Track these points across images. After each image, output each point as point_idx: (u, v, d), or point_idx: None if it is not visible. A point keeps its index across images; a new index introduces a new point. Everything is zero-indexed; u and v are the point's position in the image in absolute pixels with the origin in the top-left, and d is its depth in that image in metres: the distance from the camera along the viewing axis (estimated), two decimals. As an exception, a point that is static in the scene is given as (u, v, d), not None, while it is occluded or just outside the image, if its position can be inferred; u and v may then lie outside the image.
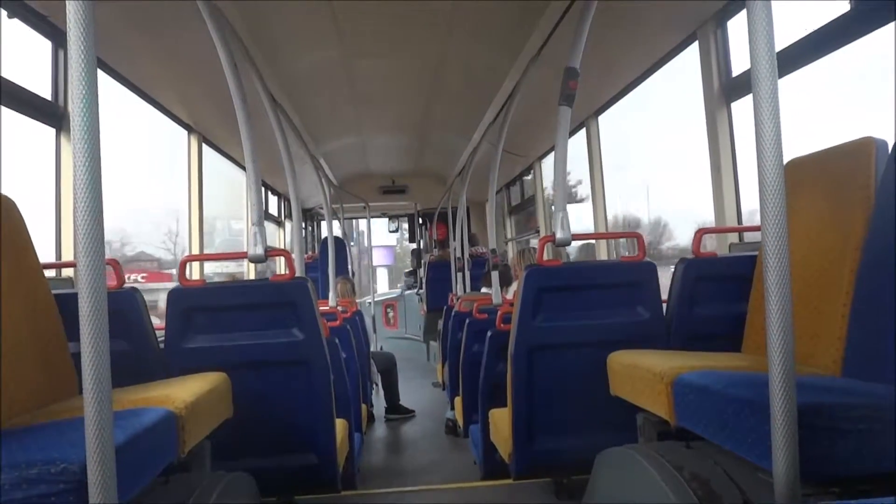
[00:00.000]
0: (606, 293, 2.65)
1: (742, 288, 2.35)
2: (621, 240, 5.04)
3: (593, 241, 5.60)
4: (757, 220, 1.38)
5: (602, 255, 5.09)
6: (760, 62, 1.18)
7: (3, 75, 2.56)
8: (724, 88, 3.20)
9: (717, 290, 2.61)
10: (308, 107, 5.10)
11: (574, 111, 2.62)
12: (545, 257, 2.67)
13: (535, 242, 7.55)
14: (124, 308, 2.42)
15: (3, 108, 2.60)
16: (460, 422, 4.26)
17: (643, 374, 1.98)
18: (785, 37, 2.67)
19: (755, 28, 1.19)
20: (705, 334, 2.55)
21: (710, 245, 3.26)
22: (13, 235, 1.90)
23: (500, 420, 2.96)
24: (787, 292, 1.16)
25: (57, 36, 2.89)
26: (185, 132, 4.50)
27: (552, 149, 2.67)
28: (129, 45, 3.21)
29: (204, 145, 4.67)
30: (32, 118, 2.81)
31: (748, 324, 2.28)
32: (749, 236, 3.09)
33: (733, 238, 3.13)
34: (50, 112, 2.90)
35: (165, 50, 3.40)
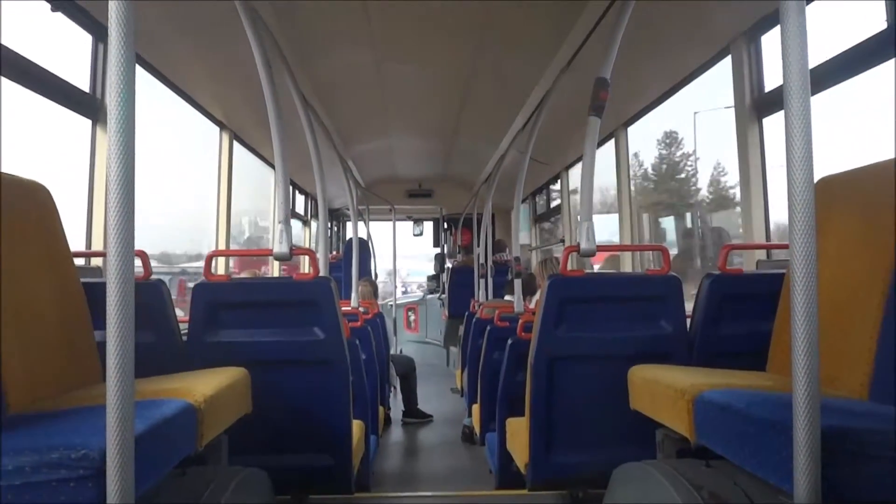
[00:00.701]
0: (630, 306, 2.63)
1: (768, 306, 2.32)
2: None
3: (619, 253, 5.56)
4: (786, 238, 1.36)
5: (626, 267, 5.06)
6: (792, 79, 1.17)
7: (45, 66, 2.61)
8: (755, 103, 3.16)
9: (742, 307, 2.57)
10: (338, 108, 5.14)
11: (603, 122, 2.61)
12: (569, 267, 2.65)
13: (560, 252, 7.51)
14: (150, 299, 2.45)
15: (43, 98, 2.65)
16: (477, 429, 4.24)
17: (664, 390, 1.95)
18: (820, 53, 2.64)
19: (788, 44, 1.18)
20: (729, 351, 2.51)
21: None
22: (45, 222, 1.94)
23: (518, 429, 2.95)
24: (813, 312, 1.14)
25: (97, 30, 2.94)
26: (217, 128, 4.55)
27: (580, 158, 2.66)
28: (167, 41, 3.26)
29: (234, 142, 4.72)
30: (70, 109, 2.85)
31: (773, 342, 2.24)
32: (777, 254, 3.05)
33: (761, 255, 3.09)
34: (87, 104, 2.95)
35: (202, 48, 3.45)
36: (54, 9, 2.65)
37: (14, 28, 2.46)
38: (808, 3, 2.56)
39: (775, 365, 2.21)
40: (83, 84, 2.95)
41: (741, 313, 2.57)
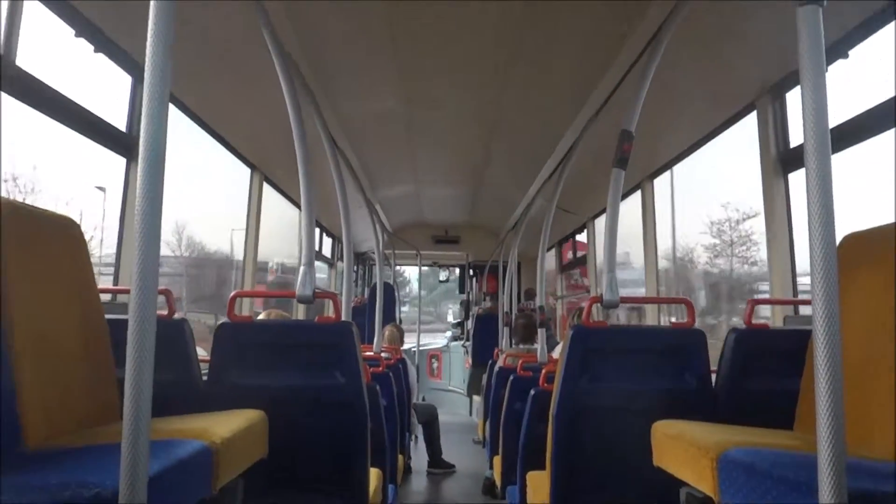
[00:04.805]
0: (653, 359, 2.59)
1: (795, 362, 2.26)
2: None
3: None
4: None
5: (651, 320, 4.99)
6: (811, 138, 1.17)
7: (83, 104, 2.69)
8: (781, 159, 3.15)
9: (769, 362, 2.52)
10: (367, 153, 5.21)
11: (629, 173, 2.61)
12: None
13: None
14: (172, 337, 2.46)
15: (80, 135, 2.73)
16: (498, 482, 4.17)
17: (688, 447, 1.91)
18: (848, 108, 2.62)
19: (808, 104, 1.18)
20: (755, 408, 2.45)
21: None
22: (75, 257, 1.97)
23: (539, 483, 2.88)
24: (837, 371, 1.12)
25: (137, 72, 3.03)
26: (248, 170, 4.63)
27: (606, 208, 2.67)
28: (202, 84, 3.35)
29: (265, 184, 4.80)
30: (106, 147, 2.93)
31: (801, 400, 2.19)
32: (806, 309, 2.99)
33: (788, 310, 3.04)
34: (123, 142, 3.03)
35: (235, 90, 3.54)
36: (97, 50, 2.75)
37: (58, 67, 2.57)
38: (831, 63, 2.60)
39: (803, 423, 2.15)
40: (120, 123, 3.03)
41: (767, 369, 2.51)
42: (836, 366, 1.12)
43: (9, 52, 2.22)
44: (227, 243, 4.77)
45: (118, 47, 2.83)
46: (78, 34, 2.62)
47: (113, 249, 3.14)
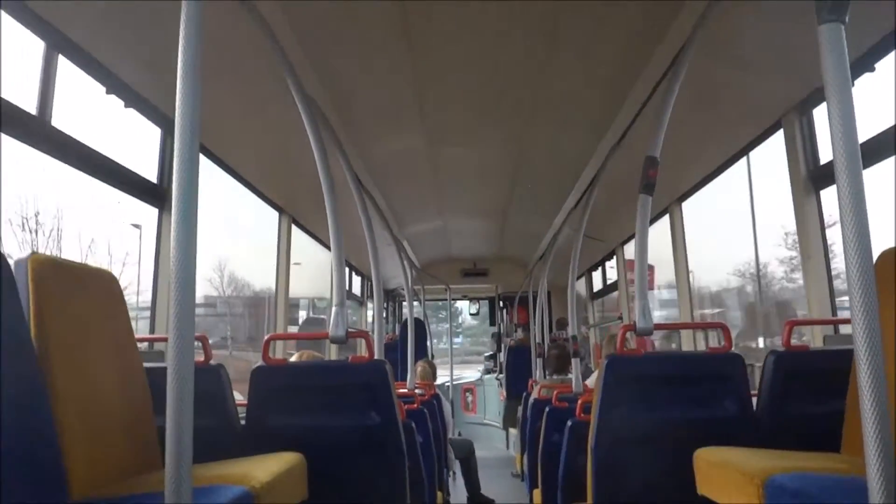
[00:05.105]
0: (691, 386, 2.54)
1: (839, 383, 2.21)
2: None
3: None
4: None
5: (686, 344, 4.92)
6: (841, 154, 1.16)
7: (117, 160, 2.77)
8: (811, 176, 3.11)
9: (811, 384, 2.46)
10: (392, 191, 5.26)
11: (657, 197, 2.60)
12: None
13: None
14: (210, 384, 2.49)
15: (113, 188, 2.80)
16: (538, 515, 4.10)
17: (732, 474, 1.87)
18: (877, 121, 2.59)
19: (835, 120, 1.17)
20: (799, 432, 2.39)
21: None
22: (112, 309, 2.01)
23: (580, 517, 2.84)
24: (882, 391, 1.09)
25: (166, 124, 3.11)
26: (277, 213, 4.70)
27: (634, 234, 2.65)
28: (229, 132, 3.42)
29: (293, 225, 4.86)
30: (138, 199, 3.00)
31: (846, 422, 2.13)
32: (846, 328, 2.93)
33: (828, 329, 2.98)
34: (155, 193, 3.10)
35: (262, 136, 3.61)
36: (127, 105, 2.83)
37: (90, 122, 2.65)
38: (857, 77, 2.58)
39: (849, 446, 2.09)
40: (151, 173, 3.11)
41: (810, 391, 2.45)
42: (880, 384, 1.10)
43: (44, 113, 2.30)
44: (270, 280, 4.84)
45: (147, 102, 2.91)
46: (109, 91, 2.70)
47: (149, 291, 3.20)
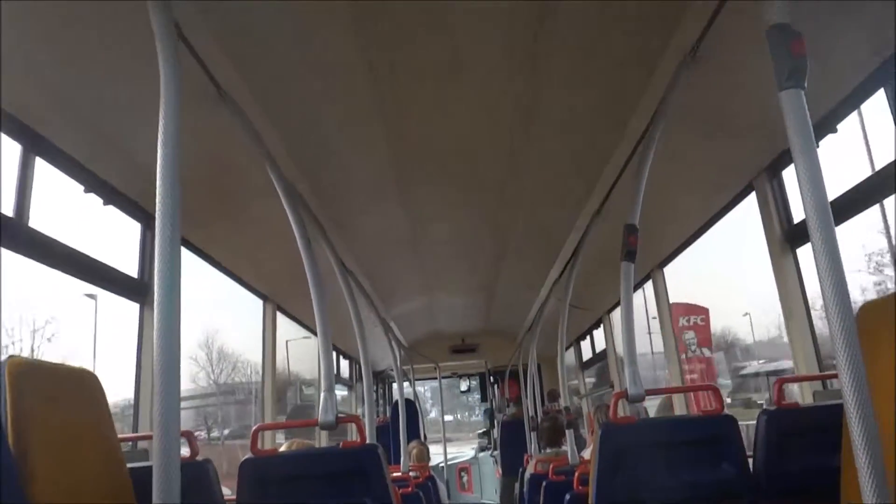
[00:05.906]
0: (687, 450, 2.52)
1: (832, 437, 2.19)
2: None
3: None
4: None
5: (679, 408, 4.88)
6: (812, 213, 1.19)
7: (97, 258, 2.76)
8: (786, 236, 3.16)
9: (805, 440, 2.44)
10: (377, 271, 5.27)
11: (639, 263, 2.63)
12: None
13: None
14: (196, 479, 2.41)
15: (93, 286, 2.78)
16: None
17: None
18: (846, 180, 2.65)
19: (804, 180, 1.21)
20: (798, 488, 2.36)
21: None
22: (94, 409, 1.97)
23: None
24: (875, 442, 1.09)
25: (146, 218, 3.12)
26: (261, 301, 4.67)
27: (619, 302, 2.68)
28: (210, 224, 3.43)
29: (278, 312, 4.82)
30: (119, 294, 2.97)
31: (844, 475, 2.11)
32: (835, 382, 2.93)
33: (817, 385, 2.97)
34: (135, 289, 3.07)
35: (243, 225, 3.63)
36: (106, 203, 2.84)
37: (68, 220, 2.65)
38: (821, 139, 2.66)
39: (848, 498, 2.06)
40: (131, 268, 3.09)
41: (805, 447, 2.43)
42: (872, 436, 1.10)
43: (21, 215, 2.30)
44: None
45: (126, 198, 2.92)
46: (87, 190, 2.71)
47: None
